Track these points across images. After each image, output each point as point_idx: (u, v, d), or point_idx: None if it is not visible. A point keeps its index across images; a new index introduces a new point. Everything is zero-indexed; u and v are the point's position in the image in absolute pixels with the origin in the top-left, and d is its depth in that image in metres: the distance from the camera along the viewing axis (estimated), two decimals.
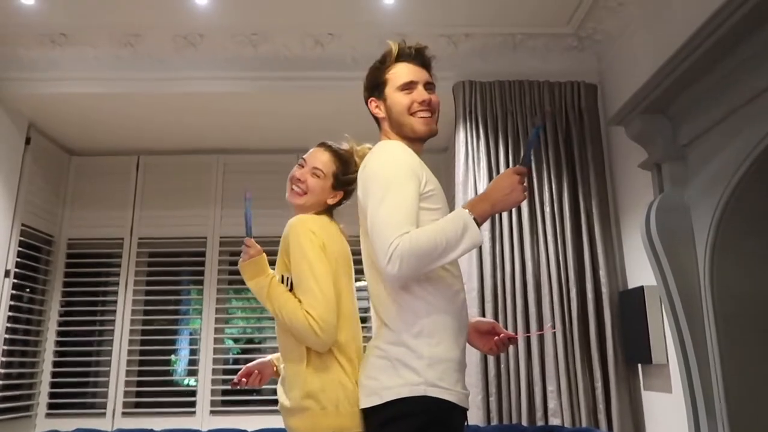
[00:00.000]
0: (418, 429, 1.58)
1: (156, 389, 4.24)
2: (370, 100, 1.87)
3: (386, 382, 1.62)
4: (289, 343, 1.82)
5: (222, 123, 4.18)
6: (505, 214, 3.35)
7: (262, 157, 4.46)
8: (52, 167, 4.37)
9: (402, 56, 1.83)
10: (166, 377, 4.38)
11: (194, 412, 4.13)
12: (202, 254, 4.42)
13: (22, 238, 3.93)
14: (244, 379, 2.06)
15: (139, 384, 4.26)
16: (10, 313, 3.79)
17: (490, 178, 3.41)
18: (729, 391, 2.42)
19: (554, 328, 3.20)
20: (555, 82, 3.61)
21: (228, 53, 3.72)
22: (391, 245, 1.54)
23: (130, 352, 4.23)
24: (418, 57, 1.85)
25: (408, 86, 1.79)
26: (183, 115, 4.07)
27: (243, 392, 4.24)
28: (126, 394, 4.18)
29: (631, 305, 3.15)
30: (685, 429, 2.63)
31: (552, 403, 3.14)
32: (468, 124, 3.54)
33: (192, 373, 4.32)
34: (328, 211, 2.02)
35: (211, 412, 4.15)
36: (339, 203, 2.04)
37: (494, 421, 3.13)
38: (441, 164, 4.36)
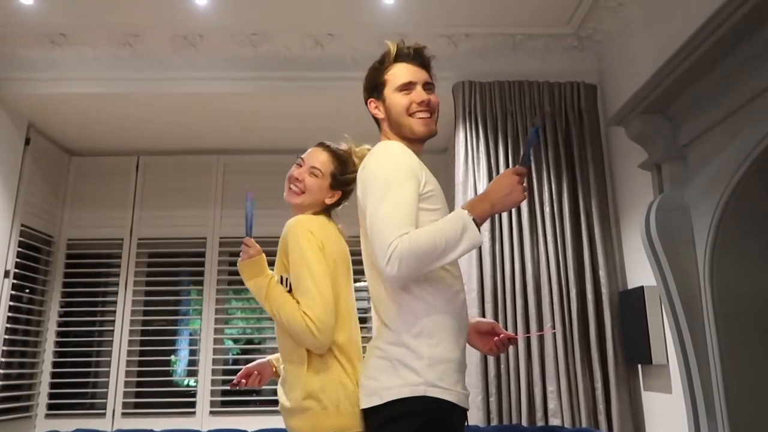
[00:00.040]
0: (418, 429, 1.57)
1: (156, 389, 4.24)
2: (369, 100, 1.87)
3: (386, 383, 1.62)
4: (289, 344, 1.82)
5: (222, 123, 4.18)
6: (504, 215, 3.35)
7: (262, 158, 4.46)
8: (52, 167, 4.36)
9: (400, 56, 1.83)
10: (166, 377, 4.37)
11: (194, 413, 4.13)
12: (202, 254, 4.42)
13: (21, 239, 3.93)
14: (243, 380, 2.07)
15: (139, 384, 4.26)
16: (10, 314, 3.79)
17: (490, 178, 3.41)
18: (729, 391, 2.41)
19: (554, 328, 3.20)
20: (555, 82, 3.61)
21: (228, 53, 3.72)
22: (390, 246, 1.54)
23: (129, 353, 4.23)
24: (417, 57, 1.84)
25: (406, 87, 1.79)
26: (183, 116, 4.07)
27: (243, 392, 4.24)
28: (126, 394, 4.18)
29: (631, 305, 3.15)
30: (685, 429, 2.63)
31: (552, 404, 3.14)
32: (468, 124, 3.53)
33: (192, 373, 4.32)
34: (327, 211, 2.02)
35: (211, 412, 4.15)
36: (337, 204, 2.04)
37: (494, 422, 3.13)
38: (441, 164, 4.36)
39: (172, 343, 4.44)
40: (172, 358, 4.46)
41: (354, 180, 2.00)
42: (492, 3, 3.43)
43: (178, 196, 4.50)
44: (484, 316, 3.21)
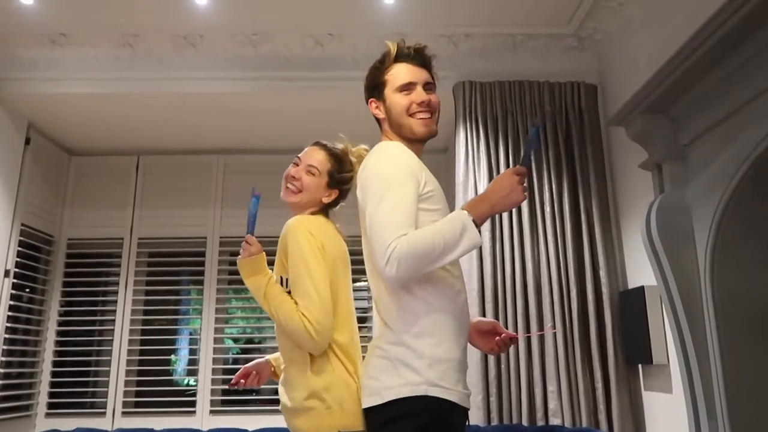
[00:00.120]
0: (419, 429, 1.58)
1: (156, 389, 4.24)
2: (370, 100, 1.87)
3: (387, 382, 1.62)
4: (289, 344, 1.82)
5: (222, 123, 4.18)
6: (505, 215, 3.35)
7: (263, 157, 4.46)
8: (52, 167, 4.36)
9: (401, 56, 1.83)
10: (166, 377, 4.38)
11: (194, 412, 4.14)
12: (202, 254, 4.42)
13: (21, 238, 3.93)
14: (242, 380, 2.06)
15: (139, 383, 4.26)
16: (10, 313, 3.79)
17: (491, 178, 3.41)
18: (729, 391, 2.41)
19: (554, 328, 3.20)
20: (555, 82, 3.61)
21: (228, 53, 3.72)
22: (389, 247, 1.54)
23: (130, 352, 4.23)
24: (417, 57, 1.84)
25: (406, 87, 1.79)
26: (183, 115, 4.07)
27: (243, 392, 4.24)
28: (126, 393, 4.18)
29: (631, 305, 3.15)
30: (686, 429, 2.63)
31: (552, 404, 3.14)
32: (468, 124, 3.53)
33: (192, 372, 4.32)
34: (324, 210, 2.02)
35: (211, 411, 4.15)
36: (335, 203, 2.04)
37: (494, 421, 3.13)
38: (441, 164, 4.37)
39: (173, 342, 4.44)
40: (173, 357, 4.46)
41: (351, 179, 2.01)
42: (492, 3, 3.43)
43: (178, 196, 4.50)
44: (484, 315, 3.21)
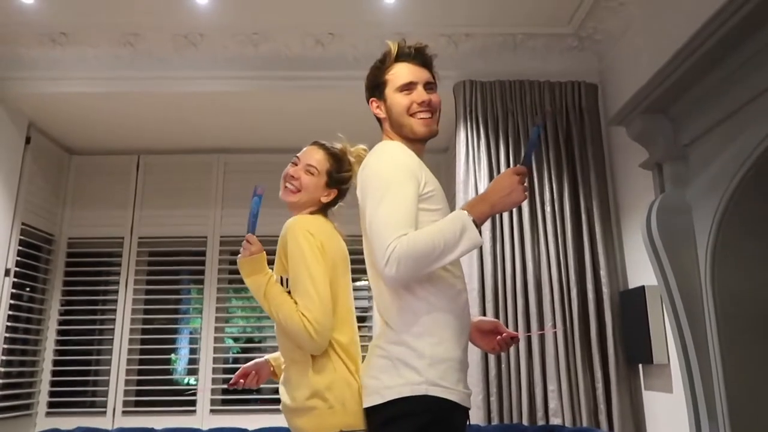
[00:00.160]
0: (420, 428, 1.57)
1: (156, 388, 4.24)
2: (371, 100, 1.86)
3: (387, 382, 1.62)
4: (290, 343, 1.81)
5: (223, 122, 4.18)
6: (505, 214, 3.35)
7: (263, 157, 4.46)
8: (52, 166, 4.36)
9: (402, 56, 1.82)
10: (167, 376, 4.38)
11: (194, 411, 4.14)
12: (203, 254, 4.42)
13: (22, 237, 3.93)
14: (241, 380, 2.06)
15: (140, 383, 4.26)
16: (11, 312, 3.79)
17: (491, 177, 3.41)
18: (730, 390, 2.41)
19: (555, 327, 3.20)
20: (555, 81, 3.61)
21: (228, 53, 3.72)
22: (389, 247, 1.54)
23: (130, 351, 4.23)
24: (418, 56, 1.83)
25: (407, 87, 1.79)
26: (183, 115, 4.07)
27: (243, 391, 4.24)
28: (126, 392, 4.18)
29: (632, 305, 3.15)
30: (686, 429, 2.63)
31: (553, 403, 3.14)
32: (468, 123, 3.53)
33: (192, 372, 4.33)
34: (323, 210, 2.01)
35: (211, 411, 4.15)
36: (333, 203, 2.04)
37: (495, 421, 3.13)
38: (441, 164, 4.37)
39: (173, 341, 4.44)
40: (173, 356, 4.46)
41: (349, 179, 2.02)
42: (493, 3, 3.43)
43: (178, 195, 4.50)
44: (484, 315, 3.21)
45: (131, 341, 4.25)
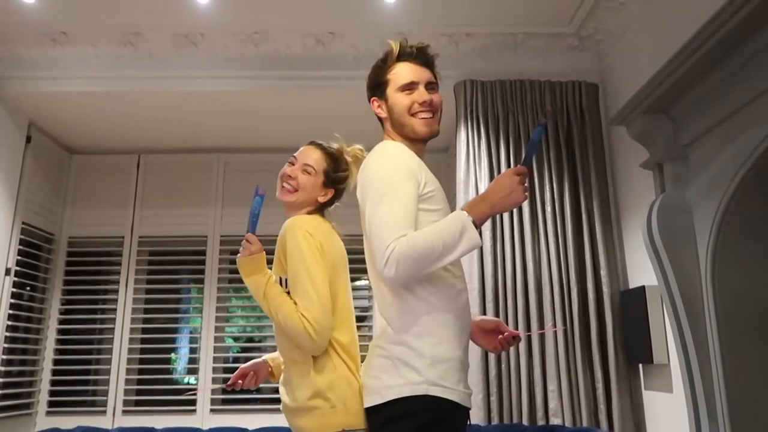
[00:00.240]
0: (420, 428, 1.57)
1: (157, 387, 4.24)
2: (372, 99, 1.86)
3: (388, 382, 1.62)
4: (290, 344, 1.81)
5: (223, 122, 4.18)
6: (506, 214, 3.35)
7: (263, 156, 4.46)
8: (53, 166, 4.37)
9: (403, 55, 1.82)
10: (167, 375, 4.38)
11: (195, 411, 4.14)
12: (203, 253, 4.42)
13: (22, 237, 3.93)
14: (240, 381, 2.06)
15: (140, 382, 4.26)
16: (11, 312, 3.79)
17: (492, 177, 3.41)
18: (730, 390, 2.42)
19: (555, 326, 3.20)
20: (556, 81, 3.61)
21: (229, 52, 3.72)
22: (388, 248, 1.54)
23: (130, 350, 4.23)
24: (420, 56, 1.83)
25: (408, 87, 1.78)
26: (184, 114, 4.07)
27: (243, 391, 4.23)
28: (126, 392, 4.18)
29: (632, 305, 3.15)
30: (686, 429, 2.63)
31: (553, 403, 3.14)
32: (469, 123, 3.53)
33: (192, 371, 4.33)
34: (320, 210, 2.01)
35: (212, 410, 4.16)
36: (330, 203, 2.04)
37: (495, 421, 3.13)
38: (442, 164, 4.37)
39: (173, 341, 4.44)
40: (173, 356, 4.46)
41: (346, 178, 2.02)
42: (493, 2, 3.43)
43: (179, 195, 4.50)
44: (485, 314, 3.20)
45: (131, 340, 4.25)
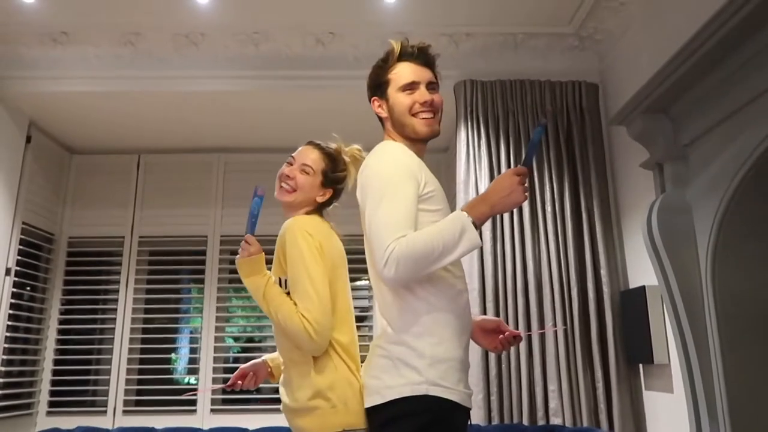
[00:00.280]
0: (420, 428, 1.57)
1: (157, 387, 4.24)
2: (373, 99, 1.86)
3: (388, 382, 1.62)
4: (289, 344, 1.81)
5: (223, 122, 4.18)
6: (506, 214, 3.34)
7: (263, 156, 4.45)
8: (53, 165, 4.37)
9: (404, 55, 1.82)
10: (167, 375, 4.38)
11: (195, 411, 4.14)
12: (203, 253, 4.42)
13: (22, 237, 3.93)
14: (239, 382, 2.06)
15: (140, 382, 4.26)
16: (11, 312, 3.79)
17: (492, 177, 3.41)
18: (730, 391, 2.42)
19: (555, 326, 3.20)
20: (556, 81, 3.61)
21: (229, 52, 3.72)
22: (388, 249, 1.54)
23: (130, 350, 4.23)
24: (421, 56, 1.83)
25: (410, 87, 1.78)
26: (184, 114, 4.07)
27: (243, 391, 4.23)
28: (127, 392, 4.18)
29: (632, 305, 3.15)
30: (687, 429, 2.63)
31: (553, 403, 3.14)
32: (469, 123, 3.53)
33: (192, 371, 4.33)
34: (318, 210, 2.01)
35: (212, 410, 4.16)
36: (328, 203, 2.04)
37: (495, 421, 3.13)
38: (442, 163, 4.37)
39: (173, 341, 4.44)
40: (173, 356, 4.46)
41: (344, 178, 2.02)
42: (493, 2, 3.43)
43: (179, 195, 4.50)
44: (485, 314, 3.20)
45: (132, 341, 4.25)
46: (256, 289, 1.82)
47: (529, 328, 3.23)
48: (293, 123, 4.15)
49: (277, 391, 1.91)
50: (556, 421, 3.12)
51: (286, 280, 1.83)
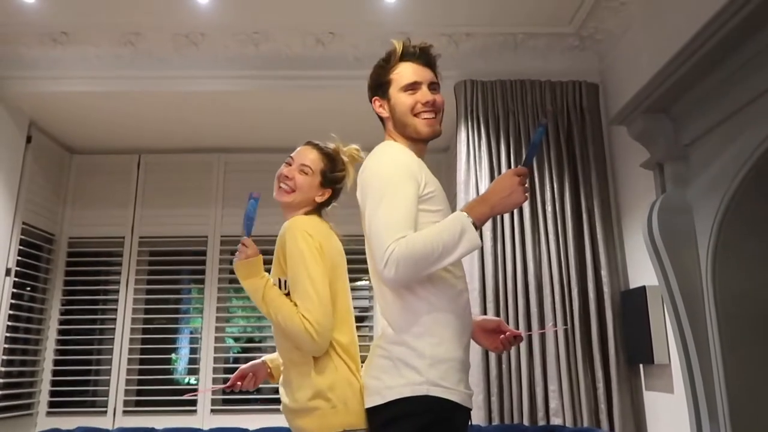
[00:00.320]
0: (421, 428, 1.57)
1: (157, 387, 4.24)
2: (374, 99, 1.85)
3: (388, 382, 1.62)
4: (289, 345, 1.81)
5: (223, 122, 4.18)
6: (506, 214, 3.34)
7: (263, 156, 4.44)
8: (53, 165, 4.36)
9: (406, 55, 1.82)
10: (167, 376, 4.38)
11: (195, 411, 4.14)
12: (203, 253, 4.42)
13: (22, 237, 3.93)
14: (239, 383, 2.06)
15: (140, 382, 4.26)
16: (11, 312, 3.79)
17: (492, 177, 3.41)
18: (731, 391, 2.41)
19: (556, 326, 3.20)
20: (556, 81, 3.61)
21: (229, 52, 3.72)
22: (387, 249, 1.54)
23: (131, 351, 4.23)
24: (423, 56, 1.83)
25: (411, 87, 1.78)
26: (184, 114, 4.07)
27: (243, 391, 4.23)
28: (127, 392, 4.18)
29: (633, 305, 3.15)
30: (687, 429, 2.63)
31: (553, 403, 3.14)
32: (469, 123, 3.53)
33: (192, 371, 4.33)
34: (317, 210, 2.01)
35: (212, 410, 4.16)
36: (327, 203, 2.04)
37: (496, 421, 3.13)
38: (442, 164, 4.36)
39: (173, 341, 4.44)
40: (173, 356, 4.46)
41: (343, 178, 2.02)
42: (493, 2, 3.43)
43: (179, 195, 4.50)
44: (486, 315, 3.20)
45: (132, 341, 4.25)
46: (254, 291, 1.82)
47: (529, 328, 3.23)
48: (293, 123, 4.15)
49: (277, 391, 1.91)
50: (556, 421, 3.12)
51: (285, 281, 1.82)
